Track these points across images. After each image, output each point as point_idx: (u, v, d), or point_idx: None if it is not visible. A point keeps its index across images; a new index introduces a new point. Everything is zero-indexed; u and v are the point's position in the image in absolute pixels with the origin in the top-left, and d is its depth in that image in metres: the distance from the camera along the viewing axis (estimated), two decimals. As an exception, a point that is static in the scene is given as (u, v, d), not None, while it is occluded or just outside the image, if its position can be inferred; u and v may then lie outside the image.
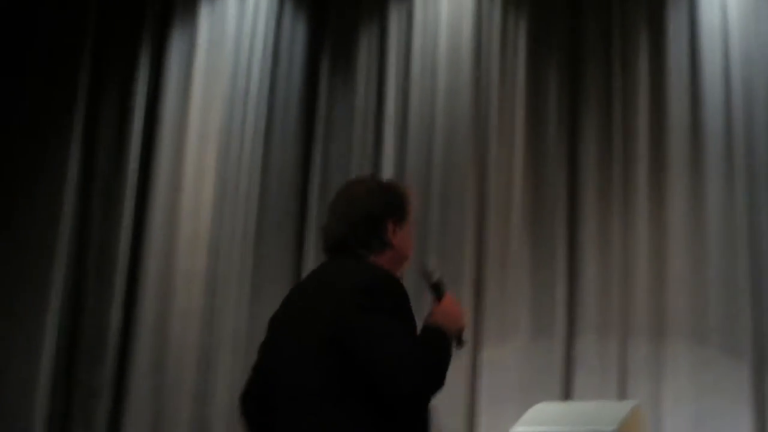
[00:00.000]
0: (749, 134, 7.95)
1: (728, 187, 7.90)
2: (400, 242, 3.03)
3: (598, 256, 7.98)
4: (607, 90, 8.31)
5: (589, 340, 7.80)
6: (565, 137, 8.29)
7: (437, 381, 2.80)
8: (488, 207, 8.24)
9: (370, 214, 2.99)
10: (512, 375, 7.80)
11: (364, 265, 2.96)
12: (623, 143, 8.18)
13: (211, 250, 8.34)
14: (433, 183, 8.32)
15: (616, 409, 5.27)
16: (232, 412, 7.74)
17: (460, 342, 3.02)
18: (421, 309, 3.02)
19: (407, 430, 2.88)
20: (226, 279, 8.25)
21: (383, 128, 8.54)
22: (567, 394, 7.66)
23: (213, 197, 8.46)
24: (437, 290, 3.06)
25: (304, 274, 8.08)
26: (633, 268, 7.89)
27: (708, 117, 8.06)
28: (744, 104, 8.00)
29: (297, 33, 8.91)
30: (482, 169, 8.31)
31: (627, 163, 8.15)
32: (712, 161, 7.99)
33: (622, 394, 7.53)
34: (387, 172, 8.33)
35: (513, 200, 8.19)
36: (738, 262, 7.72)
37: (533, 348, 7.87)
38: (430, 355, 2.80)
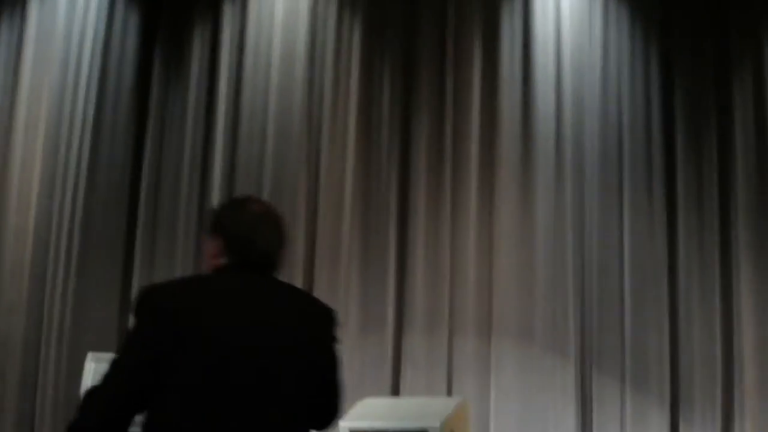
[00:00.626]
0: (578, 138, 8.25)
1: (557, 189, 8.18)
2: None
3: (428, 255, 8.12)
4: (440, 93, 8.46)
5: (418, 336, 7.92)
6: (397, 138, 8.40)
7: None
8: (320, 205, 8.28)
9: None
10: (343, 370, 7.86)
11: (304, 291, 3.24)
12: (454, 145, 8.36)
13: (38, 243, 8.12)
14: (265, 180, 8.31)
15: (442, 405, 5.36)
16: (57, 403, 7.64)
17: None
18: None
19: None
20: (53, 272, 8.05)
21: (215, 123, 8.48)
22: (396, 390, 7.77)
23: (40, 189, 8.23)
24: None
25: (135, 268, 8.01)
26: (462, 267, 8.06)
27: (539, 121, 8.32)
28: (574, 109, 8.31)
29: (129, 25, 8.74)
30: (314, 168, 8.35)
31: (458, 165, 8.32)
32: (542, 164, 8.26)
33: (449, 390, 7.68)
34: (217, 169, 8.30)
35: (345, 199, 8.25)
36: (565, 263, 8.00)
37: (363, 344, 7.96)
38: None
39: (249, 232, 3.00)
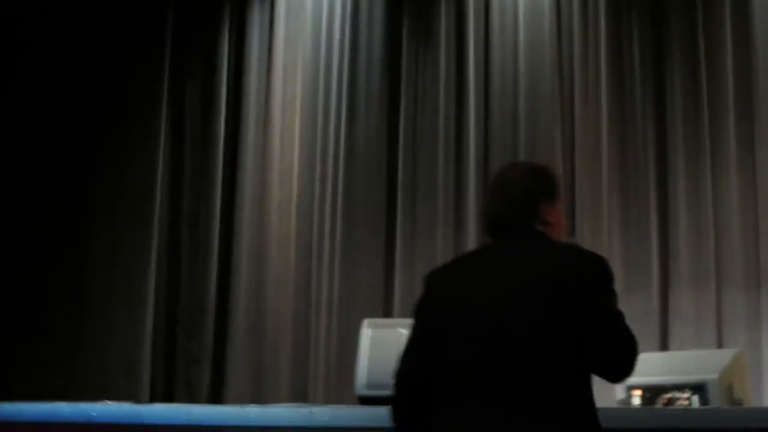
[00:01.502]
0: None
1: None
2: (555, 221, 3.12)
3: (690, 207, 7.94)
4: (693, 45, 8.19)
5: (685, 291, 7.76)
6: (650, 91, 8.21)
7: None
8: (576, 164, 8.22)
9: (528, 195, 3.08)
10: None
11: (567, 244, 3.17)
12: (709, 95, 8.10)
13: (302, 215, 8.44)
14: (519, 140, 8.32)
15: (718, 357, 5.23)
16: (329, 372, 7.93)
17: None
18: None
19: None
20: (318, 242, 8.35)
21: (466, 88, 8.50)
22: (664, 345, 7.64)
23: (301, 163, 8.57)
24: None
25: (397, 235, 8.18)
26: (726, 217, 7.83)
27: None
28: None
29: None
30: (569, 126, 8.27)
31: (714, 114, 8.06)
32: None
33: (720, 344, 7.49)
34: (471, 131, 8.33)
35: (602, 157, 8.14)
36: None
37: (628, 300, 7.85)
38: None
39: (485, 203, 3.18)
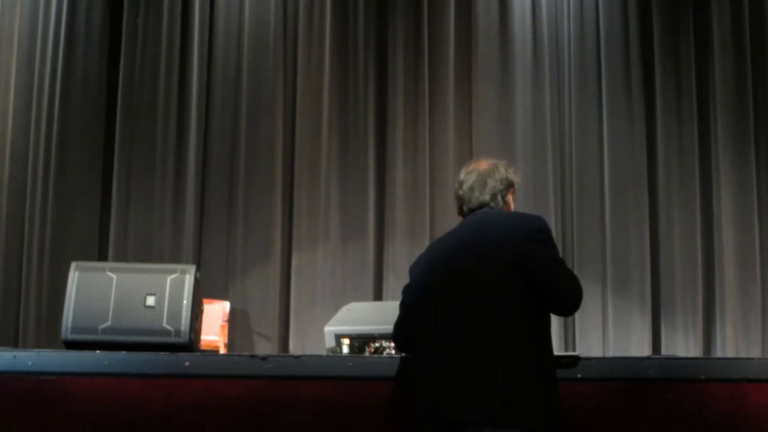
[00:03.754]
0: (557, 41, 8.38)
1: (536, 93, 8.29)
2: (510, 205, 3.98)
3: (407, 162, 8.13)
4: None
5: (399, 243, 7.96)
6: (373, 44, 8.34)
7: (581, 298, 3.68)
8: (297, 115, 8.23)
9: (506, 186, 3.94)
10: (325, 278, 7.93)
11: (519, 213, 3.95)
12: (431, 50, 8.34)
13: (16, 159, 8.06)
14: (241, 89, 8.25)
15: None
16: (40, 317, 7.67)
17: None
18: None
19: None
20: (32, 186, 8.00)
21: (191, 35, 8.31)
22: (379, 296, 7.83)
23: (15, 104, 8.14)
24: None
25: (114, 180, 7.96)
26: (442, 173, 8.08)
27: (516, 24, 8.37)
28: (550, 11, 8.37)
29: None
30: (291, 76, 8.29)
31: (435, 70, 8.30)
32: (520, 68, 8.31)
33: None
34: (194, 79, 8.20)
35: (323, 108, 8.20)
36: (545, 168, 8.14)
37: (345, 252, 8.00)
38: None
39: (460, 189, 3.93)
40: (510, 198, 3.96)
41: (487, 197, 3.89)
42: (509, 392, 3.46)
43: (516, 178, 4.00)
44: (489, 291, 3.60)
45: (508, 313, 3.56)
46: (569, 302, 3.65)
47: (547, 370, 3.58)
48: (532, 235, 3.69)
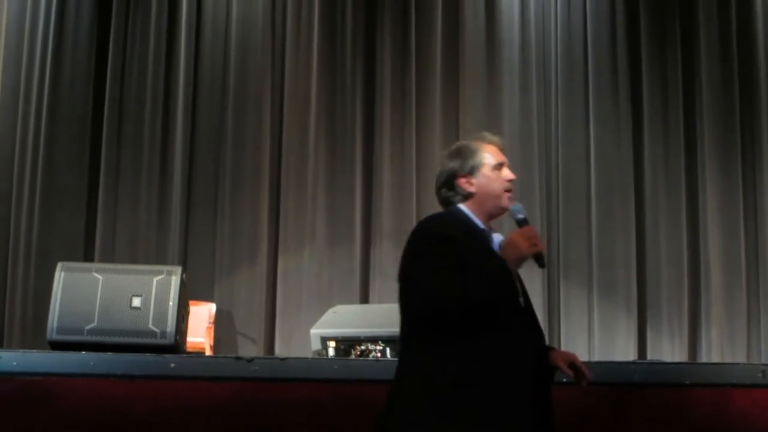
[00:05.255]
0: (544, 45, 8.37)
1: (523, 96, 8.29)
2: (480, 188, 3.46)
3: (395, 167, 8.12)
4: (404, 2, 8.40)
5: (386, 247, 7.95)
6: (361, 49, 8.33)
7: (459, 303, 3.20)
8: (285, 118, 8.21)
9: (446, 178, 3.50)
10: (311, 281, 7.93)
11: (433, 214, 3.56)
12: (418, 55, 8.33)
13: (2, 158, 8.02)
14: (228, 89, 8.23)
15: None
16: (26, 317, 7.64)
17: (540, 264, 3.37)
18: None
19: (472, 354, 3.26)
20: (18, 187, 7.96)
21: (177, 36, 8.29)
22: (365, 299, 7.83)
23: (2, 104, 8.09)
24: (519, 225, 3.41)
25: (101, 180, 7.95)
26: (428, 178, 8.07)
27: (503, 28, 8.37)
28: (538, 15, 8.39)
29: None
30: (279, 79, 8.27)
31: (422, 75, 8.31)
32: (507, 72, 8.32)
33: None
34: (181, 81, 8.16)
35: (310, 109, 8.20)
36: (532, 171, 8.15)
37: (331, 256, 7.99)
38: (468, 282, 3.22)
39: None
40: (461, 182, 3.47)
41: (439, 200, 3.59)
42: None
43: (471, 154, 3.51)
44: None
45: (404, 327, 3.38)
46: (413, 306, 3.30)
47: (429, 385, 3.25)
48: (409, 239, 3.40)
